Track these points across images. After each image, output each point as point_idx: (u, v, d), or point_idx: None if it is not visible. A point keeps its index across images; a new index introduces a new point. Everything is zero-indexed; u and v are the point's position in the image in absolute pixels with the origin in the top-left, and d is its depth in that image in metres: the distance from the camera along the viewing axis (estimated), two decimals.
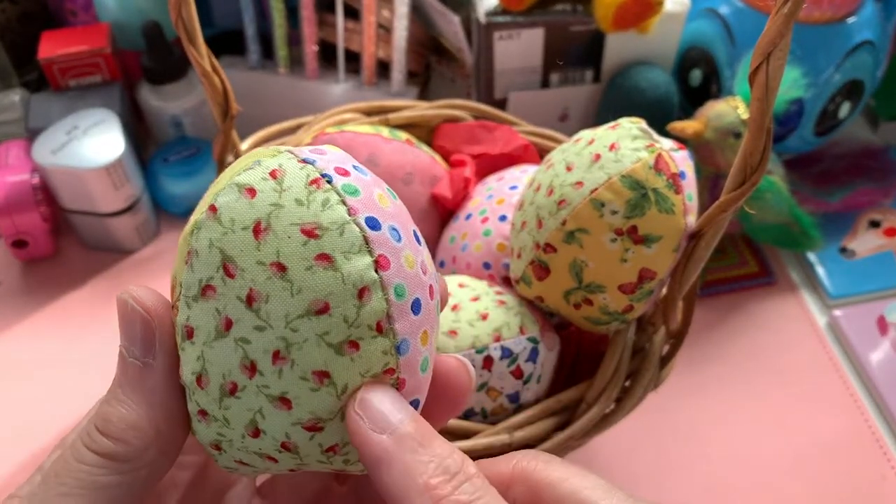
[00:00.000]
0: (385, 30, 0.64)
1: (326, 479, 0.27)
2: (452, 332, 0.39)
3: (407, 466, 0.19)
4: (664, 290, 0.40)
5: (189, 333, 0.21)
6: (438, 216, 0.51)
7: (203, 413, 0.21)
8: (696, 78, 0.64)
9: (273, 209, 0.20)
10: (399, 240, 0.21)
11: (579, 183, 0.37)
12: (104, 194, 0.58)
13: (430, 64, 0.72)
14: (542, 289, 0.39)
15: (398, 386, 0.21)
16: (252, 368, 0.20)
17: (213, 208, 0.20)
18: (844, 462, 0.51)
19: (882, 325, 0.57)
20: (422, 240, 0.23)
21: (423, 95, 0.70)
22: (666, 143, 0.37)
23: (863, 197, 0.64)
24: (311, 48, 0.65)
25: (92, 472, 0.20)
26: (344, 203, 0.20)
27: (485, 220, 0.46)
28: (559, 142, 0.53)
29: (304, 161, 0.21)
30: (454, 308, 0.40)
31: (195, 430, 0.22)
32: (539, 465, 0.22)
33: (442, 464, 0.19)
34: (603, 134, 0.38)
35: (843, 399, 0.54)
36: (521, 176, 0.48)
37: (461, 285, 0.42)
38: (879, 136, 0.72)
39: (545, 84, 0.65)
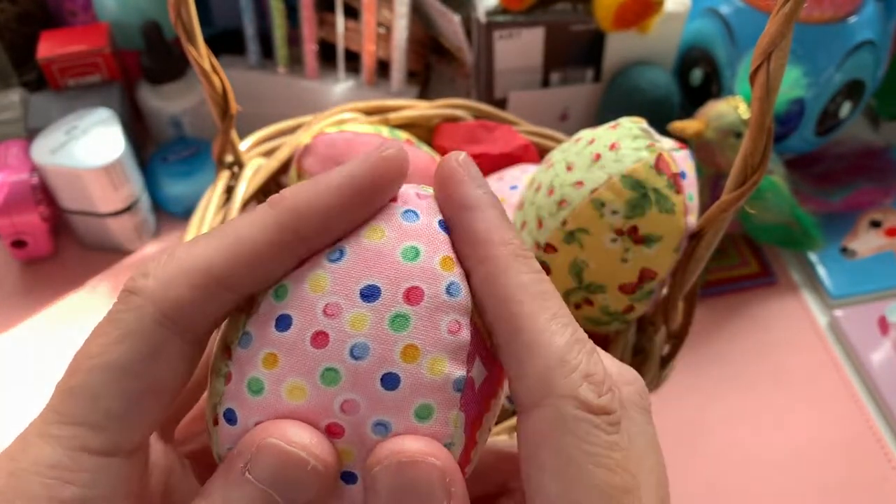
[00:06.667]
0: (385, 29, 0.64)
1: None
2: None
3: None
4: (665, 291, 0.40)
5: None
6: None
7: None
8: (697, 77, 0.64)
9: None
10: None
11: (579, 183, 0.37)
12: (103, 194, 0.58)
13: (430, 64, 0.72)
14: None
15: None
16: None
17: None
18: (845, 462, 0.51)
19: (883, 326, 0.57)
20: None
21: (423, 95, 0.70)
22: (666, 143, 0.37)
23: (864, 197, 0.64)
24: (310, 48, 0.64)
25: None
26: None
27: None
28: (559, 141, 0.53)
29: None
30: None
31: None
32: None
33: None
34: (603, 133, 0.38)
35: (844, 399, 0.54)
36: (521, 176, 0.48)
37: None
38: (880, 135, 0.72)
39: (545, 84, 0.65)
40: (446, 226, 0.19)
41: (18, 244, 0.60)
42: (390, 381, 0.18)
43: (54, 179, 0.57)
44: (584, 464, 0.17)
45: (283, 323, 0.18)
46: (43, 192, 0.59)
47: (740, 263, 0.62)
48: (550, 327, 0.18)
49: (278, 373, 0.18)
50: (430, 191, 0.20)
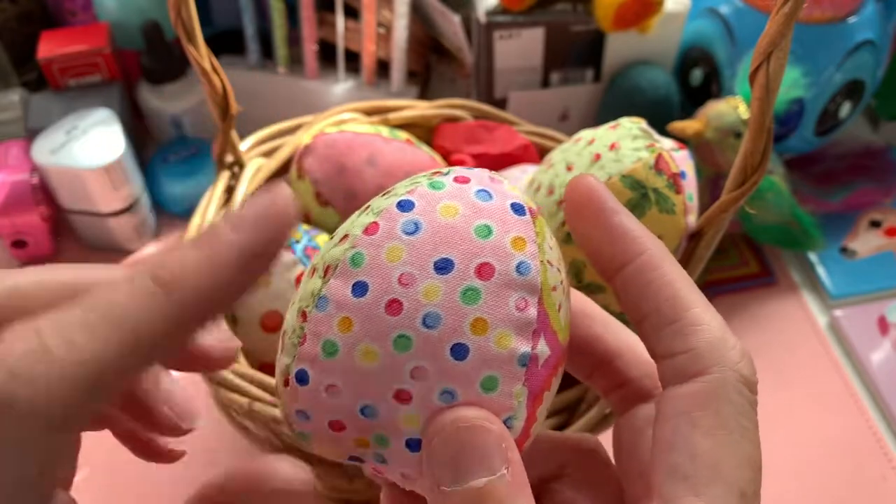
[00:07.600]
0: (385, 29, 0.64)
1: None
2: None
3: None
4: None
5: None
6: None
7: None
8: (697, 78, 0.64)
9: None
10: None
11: None
12: (104, 194, 0.58)
13: (430, 64, 0.72)
14: None
15: None
16: None
17: None
18: (845, 462, 0.51)
19: (883, 325, 0.57)
20: None
21: (423, 95, 0.70)
22: (666, 143, 0.37)
23: (863, 197, 0.64)
24: (310, 48, 0.64)
25: None
26: None
27: None
28: (559, 141, 0.53)
29: None
30: None
31: None
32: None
33: None
34: (603, 134, 0.38)
35: (844, 399, 0.54)
36: (521, 176, 0.48)
37: None
38: (880, 135, 0.72)
39: (545, 84, 0.65)
40: (519, 208, 0.20)
41: (18, 244, 0.60)
42: (459, 351, 0.18)
43: (54, 179, 0.57)
44: (735, 432, 0.19)
45: (360, 289, 0.19)
46: (43, 192, 0.59)
47: (740, 263, 0.62)
48: (709, 310, 0.19)
49: (353, 336, 0.19)
50: (503, 179, 0.21)
